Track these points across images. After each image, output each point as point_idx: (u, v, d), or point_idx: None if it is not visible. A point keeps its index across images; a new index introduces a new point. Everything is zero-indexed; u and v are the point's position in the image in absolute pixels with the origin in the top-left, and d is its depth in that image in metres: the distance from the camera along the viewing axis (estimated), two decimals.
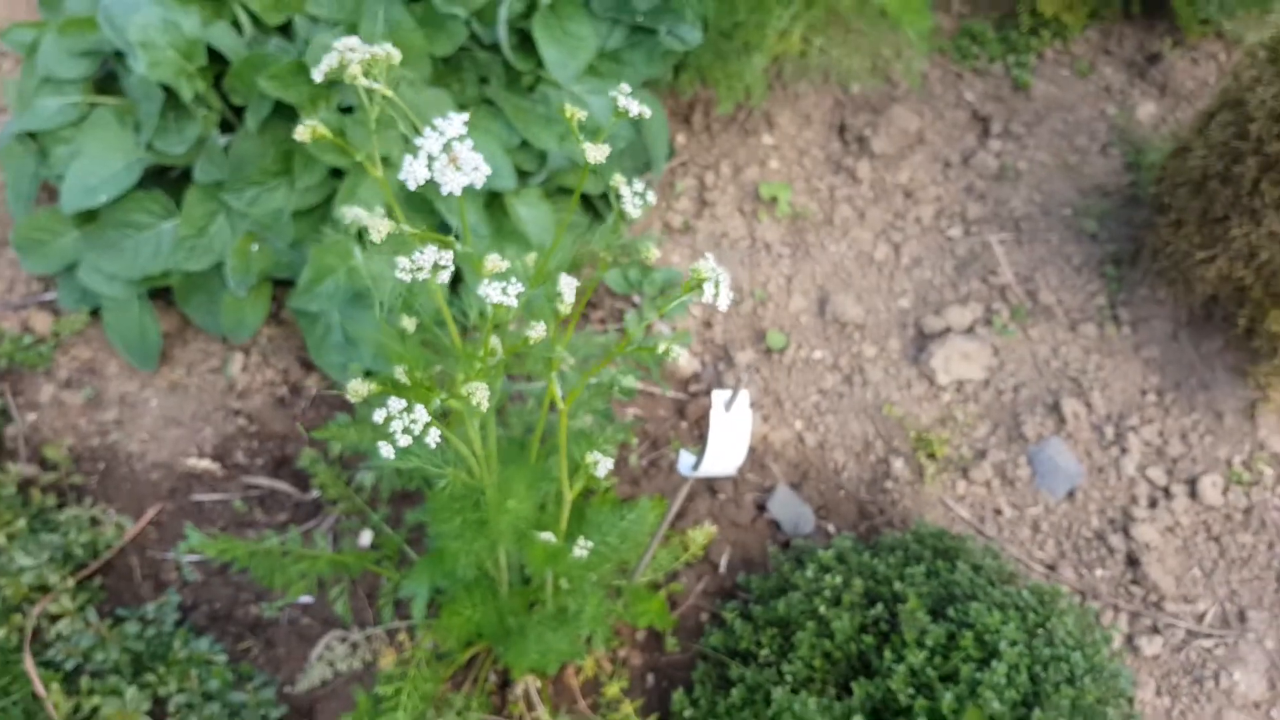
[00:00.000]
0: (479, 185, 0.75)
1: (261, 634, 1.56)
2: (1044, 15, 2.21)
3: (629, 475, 1.69)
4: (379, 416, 0.78)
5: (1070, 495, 1.68)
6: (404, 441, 0.78)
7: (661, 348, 0.85)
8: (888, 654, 1.25)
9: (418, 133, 0.76)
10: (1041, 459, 1.70)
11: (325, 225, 1.61)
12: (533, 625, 1.21)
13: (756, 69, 1.82)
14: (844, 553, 1.45)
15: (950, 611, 1.28)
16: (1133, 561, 1.62)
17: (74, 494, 1.68)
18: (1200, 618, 1.58)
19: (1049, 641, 1.26)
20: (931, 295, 1.91)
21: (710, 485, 1.70)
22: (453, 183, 0.75)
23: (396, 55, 0.84)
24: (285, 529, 1.65)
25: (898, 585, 1.34)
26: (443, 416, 0.97)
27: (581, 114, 0.82)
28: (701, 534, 1.49)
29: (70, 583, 1.53)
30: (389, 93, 0.82)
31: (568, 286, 0.86)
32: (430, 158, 0.75)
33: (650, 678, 1.51)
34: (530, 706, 1.41)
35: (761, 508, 1.68)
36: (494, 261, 0.80)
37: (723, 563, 1.63)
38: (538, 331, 0.85)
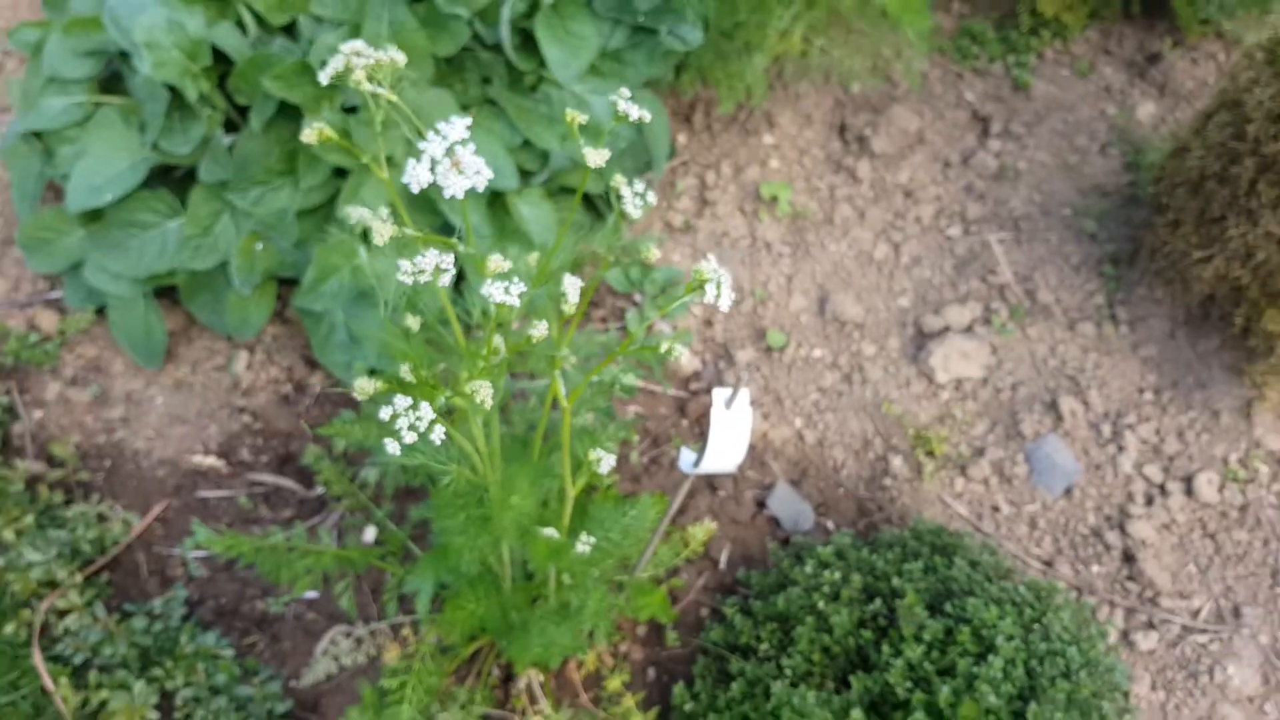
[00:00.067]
0: (481, 188, 0.76)
1: (267, 629, 1.58)
2: (1044, 15, 2.22)
3: (630, 472, 1.71)
4: (385, 414, 0.79)
5: (1067, 492, 1.70)
6: (409, 438, 0.79)
7: (664, 347, 0.86)
8: (886, 648, 1.27)
9: (421, 136, 0.77)
10: (1039, 456, 1.71)
11: (329, 224, 1.62)
12: (535, 620, 1.22)
13: (757, 69, 1.83)
14: (843, 549, 1.46)
15: (948, 607, 1.30)
16: (1129, 558, 1.63)
17: (81, 491, 1.70)
18: (1195, 613, 1.59)
19: (1045, 636, 1.27)
20: (931, 294, 1.92)
21: (711, 482, 1.71)
22: (455, 186, 0.76)
23: (401, 59, 0.85)
24: (290, 525, 1.66)
25: (896, 581, 1.35)
26: (447, 414, 0.99)
27: (582, 118, 0.84)
28: (702, 530, 1.50)
29: (78, 578, 1.55)
30: (394, 98, 0.84)
31: (572, 286, 0.87)
32: (433, 161, 0.76)
33: (651, 672, 1.53)
34: (533, 700, 1.43)
35: (761, 504, 1.70)
36: (497, 262, 0.81)
37: (723, 559, 1.64)
38: (540, 330, 0.87)
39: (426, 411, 0.80)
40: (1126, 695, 1.32)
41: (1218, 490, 1.68)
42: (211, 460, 1.73)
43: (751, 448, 1.75)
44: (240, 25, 1.62)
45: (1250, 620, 1.58)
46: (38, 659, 1.45)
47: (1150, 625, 1.58)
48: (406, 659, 1.30)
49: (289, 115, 1.58)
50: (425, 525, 1.55)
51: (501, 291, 0.79)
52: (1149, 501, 1.68)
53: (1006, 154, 2.10)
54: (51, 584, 1.54)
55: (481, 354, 0.90)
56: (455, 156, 0.76)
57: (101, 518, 1.65)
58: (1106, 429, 1.75)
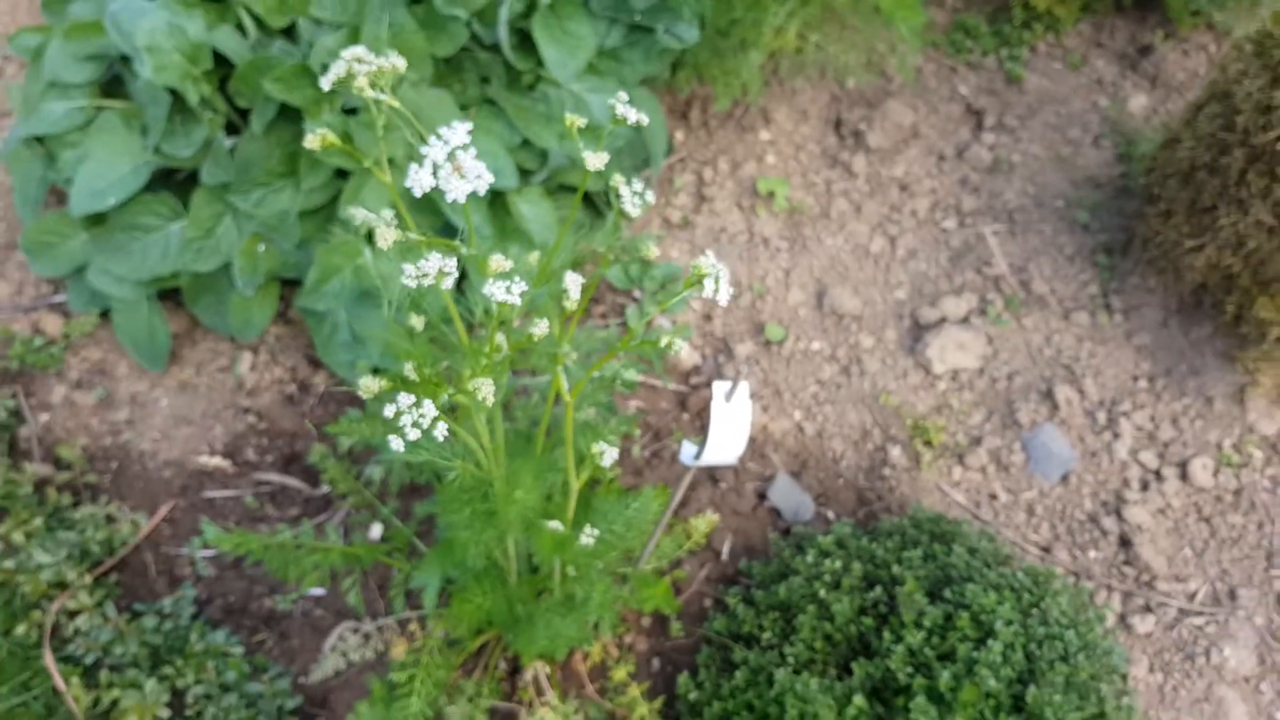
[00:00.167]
0: (482, 192, 0.77)
1: (276, 626, 1.60)
2: (1036, 9, 2.23)
3: (632, 466, 1.73)
4: (390, 411, 0.81)
5: (1064, 479, 1.72)
6: (414, 435, 0.81)
7: (663, 341, 0.88)
8: (887, 635, 1.29)
9: (423, 139, 0.79)
10: (1035, 445, 1.73)
11: (331, 225, 1.63)
12: (541, 612, 1.24)
13: (753, 66, 1.85)
14: (843, 538, 1.48)
15: (947, 593, 1.32)
16: (1125, 543, 1.66)
17: (89, 492, 1.71)
18: (1191, 596, 1.61)
19: (1043, 621, 1.29)
20: (927, 286, 1.94)
21: (712, 474, 1.73)
22: (457, 190, 0.77)
23: (402, 65, 0.87)
24: (296, 524, 1.68)
25: (896, 569, 1.37)
26: (451, 411, 1.00)
27: (581, 121, 0.85)
28: (704, 522, 1.52)
29: (88, 579, 1.57)
30: (395, 103, 0.85)
31: (573, 284, 0.89)
32: (435, 165, 0.78)
33: (656, 662, 1.55)
34: (540, 691, 1.45)
35: (762, 496, 1.72)
36: (498, 262, 0.83)
37: (725, 550, 1.66)
38: (542, 328, 0.88)
39: (430, 409, 0.81)
40: (1124, 677, 1.34)
41: (1212, 475, 1.70)
42: (217, 460, 1.74)
43: (752, 440, 1.76)
44: (240, 28, 1.63)
45: (1245, 602, 1.60)
46: (49, 659, 1.46)
47: (1147, 609, 1.60)
48: (414, 653, 1.32)
49: (289, 117, 1.60)
50: (430, 521, 1.56)
51: (503, 291, 0.80)
52: (1144, 487, 1.70)
53: (1000, 147, 2.11)
54: (61, 585, 1.56)
55: (484, 352, 0.92)
56: (457, 161, 0.77)
57: (109, 519, 1.67)
58: (1102, 416, 1.77)
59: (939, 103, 2.19)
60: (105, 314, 1.84)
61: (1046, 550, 1.66)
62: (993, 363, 1.84)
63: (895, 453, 1.75)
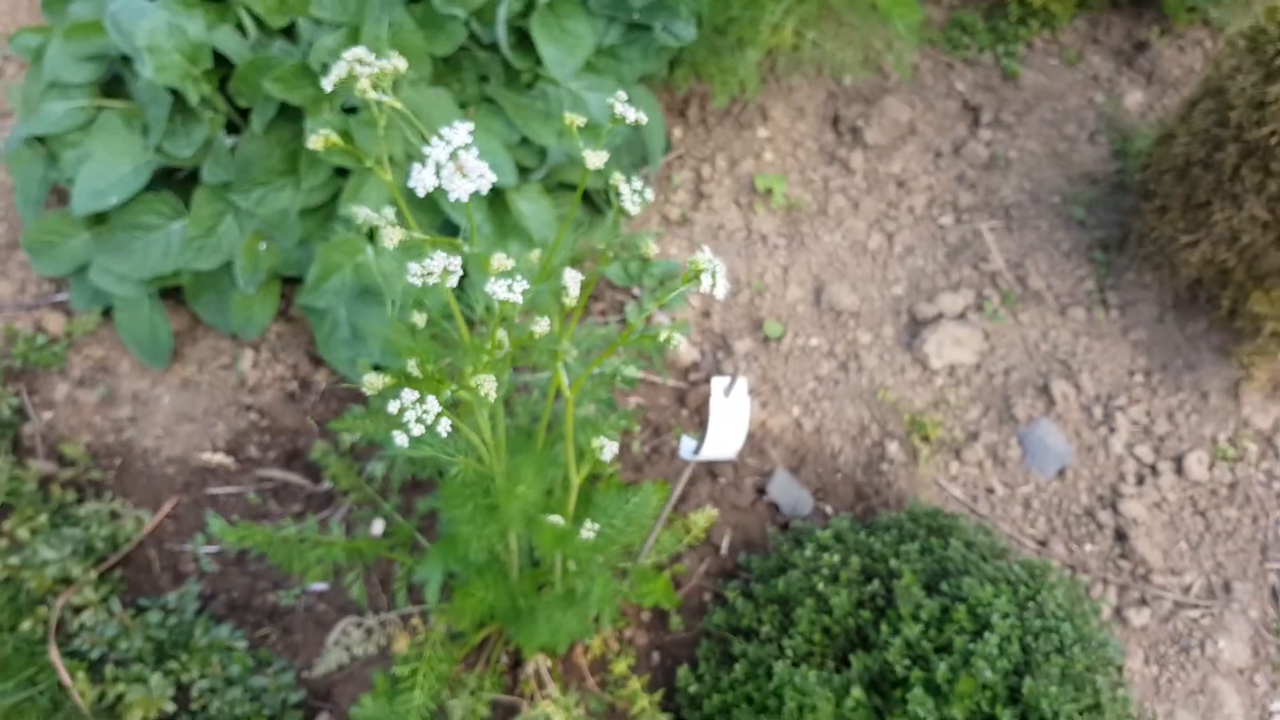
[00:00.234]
0: (484, 191, 0.78)
1: (279, 621, 1.61)
2: (1032, 5, 2.24)
3: (632, 461, 1.74)
4: (393, 407, 0.82)
5: (1060, 474, 1.73)
6: (417, 431, 0.82)
7: (663, 335, 0.89)
8: (884, 628, 1.30)
9: (424, 139, 0.80)
10: (1032, 439, 1.74)
11: (332, 223, 1.64)
12: (543, 606, 1.26)
13: (750, 63, 1.86)
14: (841, 532, 1.49)
15: (944, 586, 1.33)
16: (1121, 536, 1.67)
17: (92, 489, 1.73)
18: (1187, 589, 1.63)
19: (1039, 613, 1.30)
20: (924, 282, 1.95)
21: (711, 470, 1.75)
22: (460, 189, 0.78)
23: (403, 66, 0.88)
24: (299, 520, 1.69)
25: (893, 562, 1.38)
26: (453, 407, 1.01)
27: (579, 119, 0.86)
28: (703, 517, 1.54)
29: (92, 575, 1.58)
30: (398, 104, 0.86)
31: (572, 281, 0.90)
32: (438, 165, 0.79)
33: (656, 655, 1.57)
34: (541, 684, 1.46)
35: (761, 491, 1.73)
36: (500, 260, 0.84)
37: (724, 544, 1.67)
38: (543, 326, 0.89)
39: (433, 405, 0.82)
40: (1120, 669, 1.35)
41: (1207, 469, 1.71)
42: (220, 457, 1.76)
43: (750, 436, 1.78)
44: (240, 28, 1.64)
45: (1240, 595, 1.61)
46: (55, 654, 1.48)
47: (1142, 601, 1.62)
48: (417, 647, 1.33)
49: (290, 116, 1.61)
50: (432, 517, 1.58)
51: (505, 289, 0.81)
52: (1140, 481, 1.72)
53: (997, 143, 2.12)
54: (66, 581, 1.57)
55: (486, 349, 0.93)
56: (459, 161, 0.78)
57: (113, 515, 1.68)
58: (1098, 411, 1.78)
59: (936, 99, 2.20)
60: (107, 312, 1.85)
61: (1043, 544, 1.68)
62: (989, 358, 1.86)
63: (893, 448, 1.76)
